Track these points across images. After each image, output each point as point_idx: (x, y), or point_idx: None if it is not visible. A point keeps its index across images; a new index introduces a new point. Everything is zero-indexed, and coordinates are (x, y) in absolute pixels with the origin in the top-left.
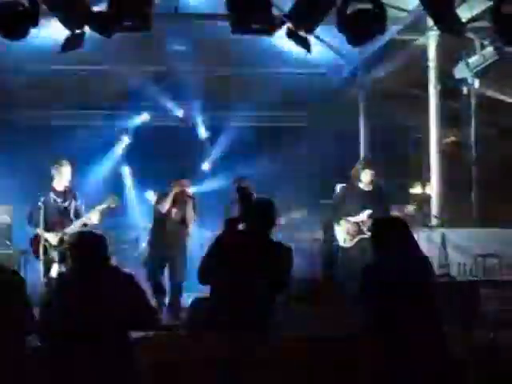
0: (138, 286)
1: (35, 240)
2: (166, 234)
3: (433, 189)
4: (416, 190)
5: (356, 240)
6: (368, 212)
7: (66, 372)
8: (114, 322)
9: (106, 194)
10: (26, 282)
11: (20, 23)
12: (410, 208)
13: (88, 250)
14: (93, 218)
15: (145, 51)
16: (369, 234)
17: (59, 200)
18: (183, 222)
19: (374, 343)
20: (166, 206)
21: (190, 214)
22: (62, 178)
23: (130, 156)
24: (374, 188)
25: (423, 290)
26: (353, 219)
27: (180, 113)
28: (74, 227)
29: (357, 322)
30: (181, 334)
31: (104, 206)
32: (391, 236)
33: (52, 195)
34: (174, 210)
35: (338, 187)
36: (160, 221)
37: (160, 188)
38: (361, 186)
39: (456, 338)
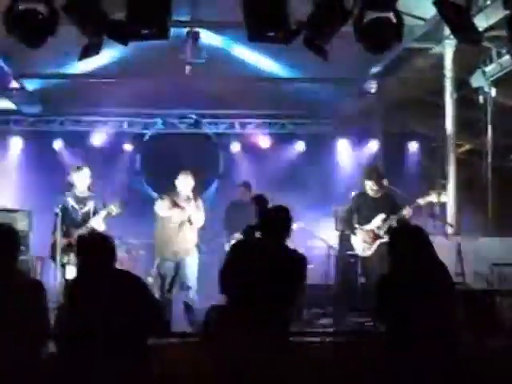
0: (145, 289)
1: (53, 246)
2: (170, 239)
3: (449, 197)
4: (431, 198)
5: (375, 246)
6: (381, 216)
7: (81, 376)
8: (122, 325)
9: (111, 201)
10: (43, 286)
11: (38, 32)
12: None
13: (91, 252)
14: (94, 224)
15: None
16: (386, 237)
17: (78, 206)
18: (190, 223)
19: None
20: (164, 207)
21: (194, 214)
22: (81, 183)
23: (143, 163)
24: (383, 194)
25: (439, 298)
26: (367, 227)
27: (192, 120)
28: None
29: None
30: (196, 341)
31: (104, 213)
32: (408, 243)
33: (71, 201)
34: (177, 211)
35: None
36: (161, 224)
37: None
38: (370, 193)
39: (471, 346)
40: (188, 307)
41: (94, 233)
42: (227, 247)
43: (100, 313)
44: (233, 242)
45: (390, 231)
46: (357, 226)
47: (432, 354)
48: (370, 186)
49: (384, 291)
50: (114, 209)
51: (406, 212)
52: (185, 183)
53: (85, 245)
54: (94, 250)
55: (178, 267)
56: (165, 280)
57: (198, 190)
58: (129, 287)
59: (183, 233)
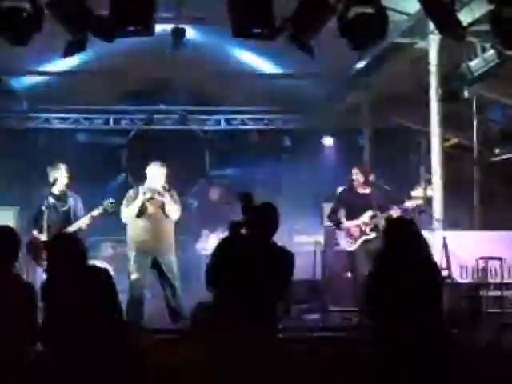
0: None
1: (31, 245)
2: (145, 233)
3: (435, 192)
4: (417, 192)
5: (359, 242)
6: (369, 213)
7: (68, 375)
8: (99, 321)
9: (102, 199)
10: (34, 289)
11: (23, 29)
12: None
13: (59, 252)
14: (82, 223)
15: (146, 55)
16: (372, 234)
17: (58, 204)
18: (165, 215)
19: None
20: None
21: (168, 206)
22: (60, 181)
23: (132, 159)
24: (371, 191)
25: (428, 291)
26: (354, 222)
27: (178, 116)
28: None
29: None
30: (184, 337)
31: (96, 212)
32: (402, 234)
33: (51, 199)
34: (149, 205)
35: (339, 190)
36: (134, 220)
37: None
38: (359, 189)
39: (457, 339)
40: (174, 314)
41: (61, 234)
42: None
43: (75, 310)
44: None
45: (385, 224)
46: (343, 220)
47: (420, 349)
48: (358, 183)
49: (374, 285)
50: (110, 206)
51: (394, 212)
52: (156, 173)
53: (49, 245)
54: (63, 251)
55: (157, 263)
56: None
57: (184, 188)
58: (98, 283)
59: (159, 226)
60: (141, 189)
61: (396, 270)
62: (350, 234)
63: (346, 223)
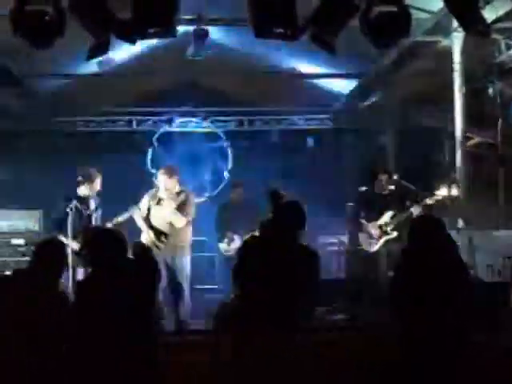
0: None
1: None
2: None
3: (459, 190)
4: (442, 191)
5: (381, 242)
6: (390, 213)
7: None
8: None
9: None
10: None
11: (46, 33)
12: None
13: (101, 248)
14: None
15: (168, 56)
16: (394, 234)
17: (82, 207)
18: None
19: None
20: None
21: (171, 216)
22: (95, 185)
23: (155, 161)
24: (392, 190)
25: (455, 290)
26: (375, 223)
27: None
28: None
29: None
30: (207, 337)
31: (121, 218)
32: (427, 232)
33: (75, 202)
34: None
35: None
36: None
37: None
38: (379, 189)
39: (483, 339)
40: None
41: (102, 228)
42: (222, 247)
43: (119, 306)
44: (227, 241)
45: (410, 222)
46: (364, 221)
47: (445, 348)
48: (379, 183)
49: (400, 284)
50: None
51: (415, 210)
52: (160, 180)
53: (98, 240)
54: (108, 244)
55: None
56: None
57: (208, 189)
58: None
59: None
60: (146, 196)
61: (422, 268)
62: (371, 235)
63: (367, 224)
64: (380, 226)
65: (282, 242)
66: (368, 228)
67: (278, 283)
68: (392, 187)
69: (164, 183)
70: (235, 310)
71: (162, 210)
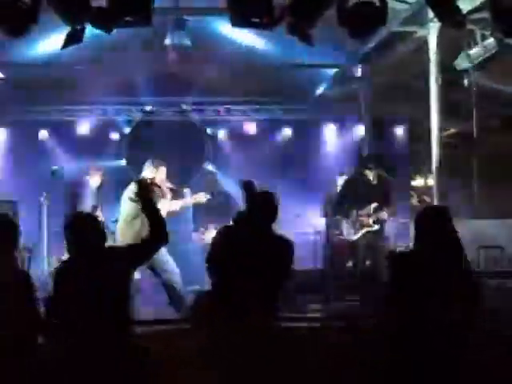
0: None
1: None
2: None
3: (434, 181)
4: (418, 182)
5: (361, 233)
6: (374, 205)
7: (73, 365)
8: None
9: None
10: (31, 278)
11: (20, 20)
12: (414, 200)
13: (80, 232)
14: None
15: (146, 45)
16: (375, 227)
17: None
18: None
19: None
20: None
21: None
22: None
23: (129, 151)
24: (378, 182)
25: (456, 284)
26: (358, 212)
27: (184, 107)
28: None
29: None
30: (184, 327)
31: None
32: (431, 225)
33: None
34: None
35: (339, 180)
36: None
37: None
38: (364, 180)
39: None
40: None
41: (81, 213)
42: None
43: (94, 292)
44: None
45: (417, 211)
46: (351, 211)
47: (443, 342)
48: (370, 174)
49: (401, 271)
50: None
51: (383, 215)
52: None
53: (75, 225)
54: (86, 230)
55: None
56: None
57: (184, 178)
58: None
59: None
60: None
61: (424, 260)
62: (352, 225)
63: (350, 214)
64: (362, 217)
65: (255, 232)
66: (351, 217)
67: (251, 272)
68: (375, 180)
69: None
70: (210, 298)
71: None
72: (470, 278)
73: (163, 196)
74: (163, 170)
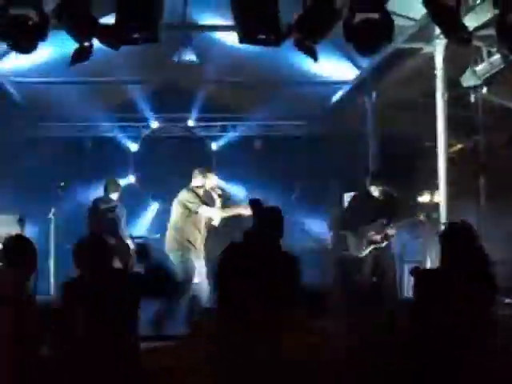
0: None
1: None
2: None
3: (441, 197)
4: (424, 198)
5: (369, 249)
6: (382, 221)
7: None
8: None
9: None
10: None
11: (29, 37)
12: (421, 216)
13: (88, 254)
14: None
15: (153, 61)
16: (384, 243)
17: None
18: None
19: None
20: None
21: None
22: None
23: (138, 166)
24: (385, 199)
25: (482, 299)
26: (365, 228)
27: (189, 123)
28: None
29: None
30: (187, 342)
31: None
32: (458, 242)
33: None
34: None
35: (347, 196)
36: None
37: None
38: (372, 196)
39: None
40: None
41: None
42: None
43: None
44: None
45: (444, 228)
46: (358, 228)
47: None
48: (375, 192)
49: (427, 285)
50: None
51: (390, 231)
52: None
53: (87, 248)
54: (92, 252)
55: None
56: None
57: None
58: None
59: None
60: None
61: (452, 278)
62: (360, 241)
63: (358, 230)
64: (370, 233)
65: (262, 248)
66: (359, 233)
67: (258, 288)
68: (382, 196)
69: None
70: (217, 315)
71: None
72: (494, 296)
73: (213, 204)
74: (212, 177)
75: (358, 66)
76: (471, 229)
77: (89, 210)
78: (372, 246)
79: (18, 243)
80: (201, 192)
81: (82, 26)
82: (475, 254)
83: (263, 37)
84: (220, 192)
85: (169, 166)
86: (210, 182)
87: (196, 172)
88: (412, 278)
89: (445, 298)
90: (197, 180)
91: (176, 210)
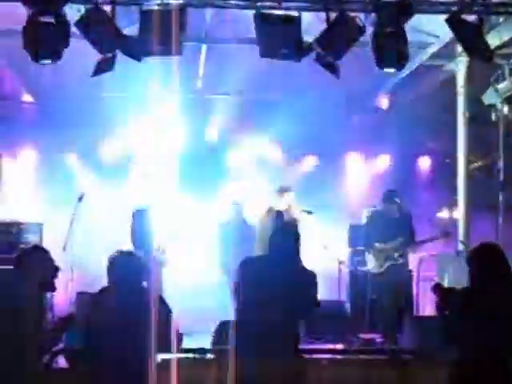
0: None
1: None
2: None
3: (460, 214)
4: (443, 214)
5: (386, 266)
6: (400, 239)
7: None
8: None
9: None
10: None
11: (53, 46)
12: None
13: (118, 271)
14: None
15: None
16: (400, 260)
17: None
18: None
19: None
20: None
21: None
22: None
23: None
24: (402, 215)
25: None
26: (383, 246)
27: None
28: None
29: None
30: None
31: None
32: (493, 261)
33: None
34: None
35: (365, 212)
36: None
37: None
38: (388, 213)
39: None
40: None
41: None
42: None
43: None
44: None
45: (473, 247)
46: (376, 244)
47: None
48: (389, 209)
49: (463, 308)
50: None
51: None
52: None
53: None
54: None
55: None
56: None
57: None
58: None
59: None
60: None
61: (485, 292)
62: (377, 258)
63: (376, 246)
64: (387, 250)
65: (279, 262)
66: (376, 249)
67: (275, 303)
68: (398, 213)
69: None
70: (234, 329)
71: None
72: None
73: (296, 221)
74: (290, 195)
75: None
76: (500, 249)
77: None
78: (389, 263)
79: (33, 253)
80: None
81: (105, 37)
82: (506, 275)
83: (285, 51)
84: (301, 208)
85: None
86: (287, 200)
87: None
88: (433, 295)
89: (478, 316)
90: (274, 199)
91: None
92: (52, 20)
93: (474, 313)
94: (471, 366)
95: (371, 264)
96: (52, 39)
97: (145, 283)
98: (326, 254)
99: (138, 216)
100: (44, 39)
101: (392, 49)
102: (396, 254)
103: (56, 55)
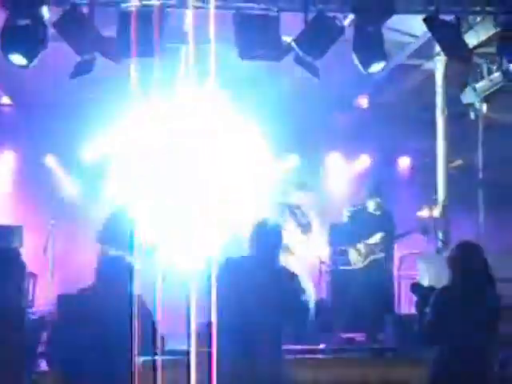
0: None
1: None
2: None
3: (439, 212)
4: (424, 213)
5: (367, 261)
6: (381, 234)
7: None
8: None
9: None
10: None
11: (30, 47)
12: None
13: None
14: None
15: None
16: (381, 254)
17: None
18: None
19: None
20: None
21: None
22: None
23: None
24: (382, 213)
25: (490, 316)
26: (365, 242)
27: None
28: None
29: None
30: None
31: None
32: (472, 260)
33: None
34: None
35: (345, 211)
36: None
37: None
38: (369, 211)
39: None
40: None
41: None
42: None
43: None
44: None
45: (453, 247)
46: (359, 241)
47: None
48: (374, 204)
49: (442, 305)
50: None
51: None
52: None
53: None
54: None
55: None
56: None
57: None
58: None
59: None
60: None
61: (464, 289)
62: (359, 254)
63: (359, 242)
64: (369, 246)
65: (259, 263)
66: (359, 246)
67: (253, 305)
68: (379, 211)
69: None
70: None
71: None
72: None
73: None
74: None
75: None
76: (480, 248)
77: None
78: (370, 258)
79: (3, 256)
80: None
81: (83, 39)
82: (486, 274)
83: (262, 52)
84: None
85: None
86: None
87: None
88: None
89: (457, 315)
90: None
91: None
92: (29, 22)
93: (453, 312)
94: (452, 365)
95: (353, 259)
96: (29, 42)
97: (129, 286)
98: (306, 253)
99: (114, 216)
100: (21, 42)
101: (372, 49)
102: (377, 249)
103: (33, 57)
